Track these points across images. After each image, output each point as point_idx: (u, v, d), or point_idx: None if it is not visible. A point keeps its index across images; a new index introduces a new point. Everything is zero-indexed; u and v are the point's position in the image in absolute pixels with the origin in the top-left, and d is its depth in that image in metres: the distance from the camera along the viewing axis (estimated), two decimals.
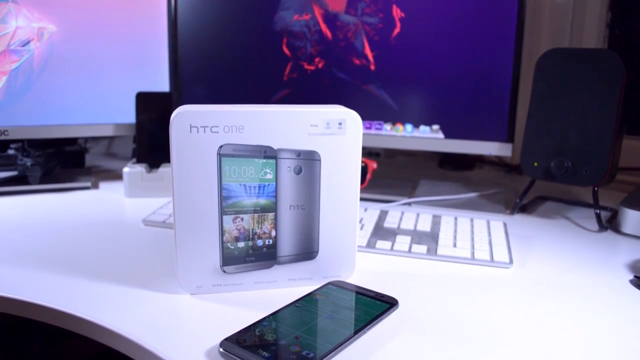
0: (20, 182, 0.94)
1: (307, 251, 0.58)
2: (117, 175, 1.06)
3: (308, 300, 0.53)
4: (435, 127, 0.91)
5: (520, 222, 0.82)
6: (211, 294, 0.56)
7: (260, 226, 0.56)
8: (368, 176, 0.92)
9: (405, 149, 1.01)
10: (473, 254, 0.67)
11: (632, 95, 0.79)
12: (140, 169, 0.91)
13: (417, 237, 0.72)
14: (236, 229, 0.55)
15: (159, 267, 0.63)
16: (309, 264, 0.58)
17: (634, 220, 0.76)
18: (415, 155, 1.31)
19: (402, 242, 0.70)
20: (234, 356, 0.43)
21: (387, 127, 0.93)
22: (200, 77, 1.02)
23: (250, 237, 0.55)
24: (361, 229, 0.74)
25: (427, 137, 0.91)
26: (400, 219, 0.78)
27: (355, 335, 0.47)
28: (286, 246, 0.57)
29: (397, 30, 0.89)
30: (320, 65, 0.95)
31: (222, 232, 0.54)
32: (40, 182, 0.94)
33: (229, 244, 0.55)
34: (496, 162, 1.22)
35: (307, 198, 0.56)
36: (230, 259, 0.55)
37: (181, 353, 0.45)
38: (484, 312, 0.54)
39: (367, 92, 0.93)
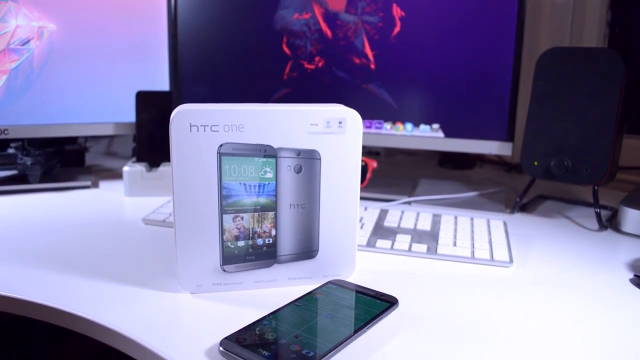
0: (20, 181, 0.94)
1: (307, 250, 0.58)
2: (117, 174, 1.06)
3: (308, 299, 0.53)
4: (435, 126, 0.91)
5: (521, 221, 0.82)
6: (211, 292, 0.56)
7: (260, 225, 0.56)
8: (368, 175, 0.92)
9: (405, 148, 1.01)
10: (473, 253, 0.67)
11: (632, 95, 0.79)
12: (140, 168, 0.91)
13: (417, 236, 0.72)
14: (236, 227, 0.55)
15: (159, 266, 0.63)
16: (309, 263, 0.58)
17: (634, 219, 0.76)
18: (416, 154, 1.31)
19: (402, 241, 0.70)
20: (234, 355, 0.43)
21: (387, 126, 0.93)
22: (200, 76, 1.02)
23: (250, 236, 0.55)
24: (361, 228, 0.74)
25: (427, 136, 0.91)
26: (401, 218, 0.78)
27: (355, 334, 0.47)
28: (286, 245, 0.57)
29: (397, 29, 0.89)
30: (320, 64, 0.95)
31: (222, 231, 0.54)
32: (40, 181, 0.94)
33: (229, 243, 0.55)
34: (496, 161, 1.22)
35: (307, 197, 0.56)
36: (230, 258, 0.55)
37: (181, 352, 0.45)
38: (484, 311, 0.54)
39: (367, 91, 0.93)
